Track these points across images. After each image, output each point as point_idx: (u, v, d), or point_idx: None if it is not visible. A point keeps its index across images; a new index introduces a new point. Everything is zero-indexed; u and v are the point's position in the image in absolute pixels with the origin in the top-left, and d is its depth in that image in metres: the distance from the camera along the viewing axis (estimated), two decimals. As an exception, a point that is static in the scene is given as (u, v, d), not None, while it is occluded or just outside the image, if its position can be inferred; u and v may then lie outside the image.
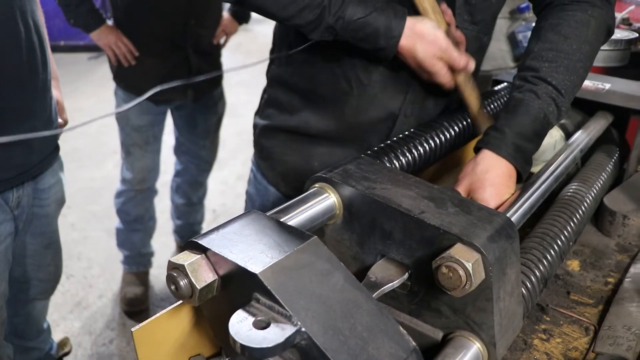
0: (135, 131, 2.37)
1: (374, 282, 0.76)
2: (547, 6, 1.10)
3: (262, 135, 1.31)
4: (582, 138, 1.14)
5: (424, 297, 0.77)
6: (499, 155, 0.93)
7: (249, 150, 1.40)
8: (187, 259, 0.61)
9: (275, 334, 0.54)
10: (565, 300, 0.98)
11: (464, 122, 1.14)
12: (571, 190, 1.10)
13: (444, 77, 1.06)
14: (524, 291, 0.82)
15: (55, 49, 6.53)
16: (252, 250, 0.61)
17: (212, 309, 0.67)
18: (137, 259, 2.61)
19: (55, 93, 1.45)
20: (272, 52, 1.30)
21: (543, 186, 0.94)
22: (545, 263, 0.89)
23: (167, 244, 2.95)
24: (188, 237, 2.86)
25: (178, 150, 2.69)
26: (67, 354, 2.02)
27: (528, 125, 0.95)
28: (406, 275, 0.77)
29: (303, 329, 0.55)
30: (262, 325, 0.55)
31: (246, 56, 6.07)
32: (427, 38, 1.01)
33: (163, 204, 2.93)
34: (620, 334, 0.89)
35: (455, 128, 1.11)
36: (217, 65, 2.50)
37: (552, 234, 0.95)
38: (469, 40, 1.11)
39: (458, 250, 0.68)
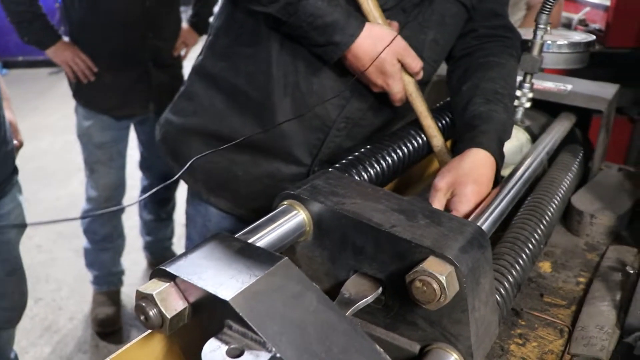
0: (98, 148, 2.32)
1: (348, 298, 0.75)
2: (464, 56, 1.19)
3: (177, 137, 1.24)
4: (548, 140, 1.16)
5: (399, 310, 0.76)
6: (487, 152, 0.95)
7: None
8: (156, 287, 0.59)
9: (250, 363, 0.52)
10: (539, 303, 0.98)
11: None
12: (540, 192, 1.11)
13: (398, 82, 1.06)
14: (498, 298, 0.82)
15: (14, 64, 6.41)
16: (222, 275, 0.59)
17: (184, 337, 0.65)
18: (107, 278, 2.55)
19: (7, 114, 1.40)
20: (210, 44, 1.23)
21: (512, 191, 0.94)
22: (518, 268, 0.90)
23: (138, 260, 2.90)
24: (159, 253, 2.82)
25: (143, 165, 2.64)
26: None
27: (502, 132, 1.01)
28: (380, 290, 0.76)
29: (278, 355, 0.53)
30: (235, 354, 0.54)
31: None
32: (387, 38, 1.02)
33: (132, 221, 2.87)
34: (594, 334, 0.90)
35: (419, 139, 1.11)
36: (178, 78, 2.46)
37: (523, 238, 0.96)
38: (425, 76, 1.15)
39: (431, 264, 0.67)
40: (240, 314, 0.55)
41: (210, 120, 1.19)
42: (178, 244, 2.95)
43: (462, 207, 0.90)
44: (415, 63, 1.06)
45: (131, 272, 2.72)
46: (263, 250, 0.65)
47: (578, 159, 1.31)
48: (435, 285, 0.66)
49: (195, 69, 1.25)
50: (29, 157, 4.14)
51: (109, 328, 2.46)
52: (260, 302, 0.57)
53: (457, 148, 1.00)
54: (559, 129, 1.23)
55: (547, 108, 1.36)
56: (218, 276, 0.59)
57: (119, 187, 2.46)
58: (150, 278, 0.63)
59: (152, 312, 0.59)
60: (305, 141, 1.15)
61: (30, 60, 6.36)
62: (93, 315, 2.51)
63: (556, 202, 1.10)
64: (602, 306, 0.96)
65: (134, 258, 2.87)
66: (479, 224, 0.83)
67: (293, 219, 0.78)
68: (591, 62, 1.56)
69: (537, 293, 1.01)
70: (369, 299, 0.75)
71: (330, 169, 0.91)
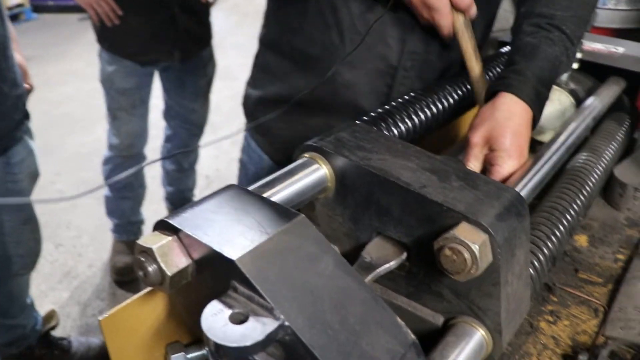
0: (121, 94, 2.27)
1: (368, 262, 0.69)
2: None
3: (257, 108, 1.22)
4: (594, 105, 1.06)
5: (424, 279, 0.70)
6: (520, 99, 0.84)
7: (243, 114, 1.31)
8: (156, 241, 0.54)
9: (255, 330, 0.47)
10: (573, 279, 0.91)
11: (467, 87, 1.06)
12: (580, 160, 1.02)
13: (445, 16, 0.96)
14: (532, 272, 0.75)
15: (44, 9, 6.38)
16: (230, 231, 0.54)
17: (187, 296, 0.60)
18: (127, 228, 2.55)
19: (16, 56, 1.35)
20: (266, 12, 1.20)
21: (554, 157, 0.86)
22: (554, 240, 0.82)
23: (159, 211, 2.88)
24: (180, 204, 2.80)
25: (167, 114, 2.59)
26: (53, 327, 1.96)
27: (547, 71, 0.88)
28: (404, 255, 0.70)
29: (286, 323, 0.48)
30: (239, 319, 0.48)
31: (242, 18, 5.89)
32: None
33: (154, 170, 2.84)
34: (632, 316, 0.83)
35: (459, 92, 1.03)
36: (206, 25, 2.38)
37: (561, 208, 0.88)
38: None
39: (463, 230, 0.60)
40: (247, 276, 0.49)
41: (282, 87, 1.15)
42: (200, 195, 2.92)
43: (505, 163, 0.81)
44: None
45: (151, 223, 2.68)
46: (278, 205, 0.59)
47: (624, 128, 1.21)
48: (467, 255, 0.59)
49: (261, 40, 1.21)
50: (56, 102, 4.14)
51: (127, 277, 2.47)
52: (270, 263, 0.51)
53: (489, 86, 0.90)
54: (607, 93, 1.13)
55: (594, 71, 1.26)
56: (225, 232, 0.54)
57: (141, 136, 2.42)
58: (153, 230, 0.57)
59: (151, 268, 0.54)
60: (373, 89, 1.07)
61: (60, 5, 6.32)
62: (112, 263, 2.51)
63: (598, 172, 1.02)
64: (643, 287, 0.88)
65: (155, 208, 2.86)
66: (517, 189, 0.75)
67: (314, 173, 0.71)
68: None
69: (572, 268, 0.94)
70: (392, 264, 0.69)
71: (357, 122, 0.84)
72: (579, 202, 0.92)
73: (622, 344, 0.77)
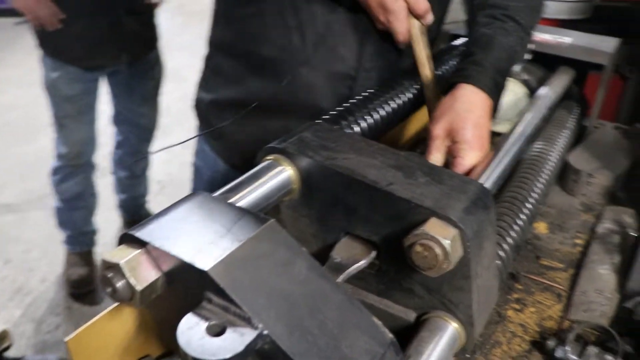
0: (67, 101, 2.19)
1: (338, 263, 0.69)
2: None
3: (210, 112, 1.19)
4: (548, 95, 1.09)
5: (395, 276, 0.70)
6: (480, 90, 0.85)
7: (194, 116, 1.28)
8: (124, 255, 0.52)
9: (234, 341, 0.45)
10: (536, 266, 0.94)
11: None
12: (536, 149, 1.05)
13: (401, 21, 0.95)
14: (498, 262, 0.77)
15: (-24, 14, 6.07)
16: (200, 241, 0.52)
17: (158, 309, 0.58)
18: (79, 239, 2.47)
19: None
20: (215, 12, 1.17)
21: (515, 148, 0.88)
22: (518, 229, 0.84)
23: (112, 219, 2.80)
24: (134, 211, 2.73)
25: (116, 119, 2.52)
26: (7, 348, 1.87)
27: (503, 61, 0.89)
28: (373, 254, 0.70)
29: (265, 332, 0.47)
30: (216, 331, 0.47)
31: (188, 18, 5.80)
32: None
33: (105, 178, 2.76)
34: (593, 299, 0.86)
35: (416, 86, 1.03)
36: (152, 27, 2.33)
37: (521, 198, 0.90)
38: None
39: (433, 226, 0.61)
40: (221, 286, 0.48)
41: (237, 90, 1.12)
42: (153, 201, 2.86)
43: (467, 155, 0.81)
44: (421, 3, 0.95)
45: (105, 232, 2.63)
46: (246, 211, 0.58)
47: (574, 116, 1.25)
48: (438, 250, 0.59)
49: (212, 42, 1.18)
50: (-5, 112, 3.97)
51: (83, 289, 2.39)
52: (243, 271, 0.50)
53: (448, 78, 0.91)
54: (559, 83, 1.17)
55: (544, 62, 1.29)
56: (195, 242, 0.52)
57: (90, 143, 2.35)
58: (118, 244, 0.55)
59: (119, 284, 0.51)
60: (333, 91, 1.05)
61: (-5, 9, 6.05)
62: (66, 276, 2.43)
63: (554, 160, 1.05)
64: (601, 270, 0.91)
65: (107, 217, 2.78)
66: (481, 182, 0.76)
67: (278, 175, 0.70)
68: (594, 16, 1.48)
69: (533, 255, 0.96)
70: (362, 263, 0.68)
71: (318, 121, 0.83)
72: (538, 190, 0.94)
73: (586, 327, 0.80)
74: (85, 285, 2.40)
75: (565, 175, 1.16)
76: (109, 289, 0.52)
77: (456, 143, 0.82)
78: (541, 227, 1.04)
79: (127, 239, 0.54)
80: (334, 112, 0.90)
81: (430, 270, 0.61)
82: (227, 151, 1.20)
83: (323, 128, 0.77)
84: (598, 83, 1.28)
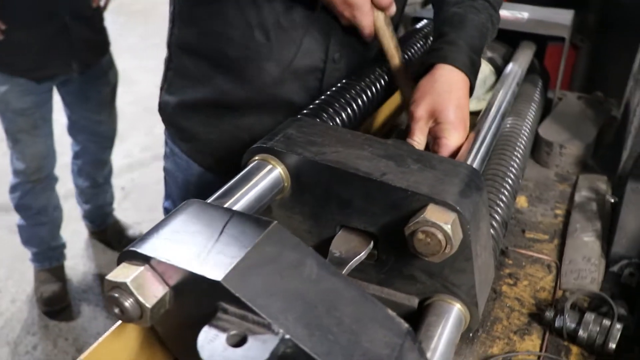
0: (19, 116, 2.11)
1: (339, 257, 0.68)
2: None
3: (178, 114, 1.15)
4: (515, 70, 1.10)
5: (395, 264, 0.70)
6: (457, 69, 0.86)
7: (150, 118, 1.24)
8: (128, 273, 0.50)
9: (257, 349, 0.45)
10: (522, 240, 0.96)
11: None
12: (508, 125, 1.06)
13: (366, 14, 0.95)
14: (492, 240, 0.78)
15: None
16: (205, 251, 0.51)
17: (164, 324, 0.56)
18: (48, 254, 2.39)
19: None
20: (172, 12, 1.14)
21: (494, 126, 0.89)
22: (503, 206, 0.85)
23: (78, 231, 2.73)
24: (100, 220, 2.66)
25: (72, 129, 2.43)
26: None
27: (477, 39, 0.90)
28: (371, 244, 0.70)
29: (287, 336, 0.46)
30: (237, 341, 0.46)
31: (130, 18, 5.65)
32: None
33: (66, 189, 2.67)
34: (582, 266, 0.88)
35: (387, 75, 1.03)
36: (101, 31, 2.26)
37: (502, 174, 0.92)
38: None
39: (432, 212, 0.61)
40: (237, 295, 0.47)
41: (204, 90, 1.09)
42: (119, 208, 2.80)
43: (451, 135, 0.82)
44: None
45: (73, 244, 2.56)
46: (248, 215, 0.57)
47: (539, 89, 1.28)
48: (440, 236, 0.60)
49: (173, 43, 1.13)
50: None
51: (57, 306, 2.32)
52: (256, 277, 0.49)
53: (423, 58, 0.91)
54: (524, 58, 1.19)
55: (503, 38, 1.31)
56: (200, 252, 0.51)
57: (48, 156, 2.27)
58: (118, 262, 0.53)
59: (128, 303, 0.50)
60: (303, 85, 1.04)
61: None
62: (38, 294, 2.35)
63: (527, 134, 1.07)
64: (585, 237, 0.94)
65: (74, 229, 2.70)
66: (468, 162, 0.77)
67: (268, 175, 0.69)
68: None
69: (519, 229, 0.98)
70: (362, 255, 0.68)
71: (299, 116, 0.83)
72: (516, 165, 0.96)
73: (580, 295, 0.82)
74: (59, 302, 2.33)
75: (537, 148, 1.18)
76: (116, 310, 0.51)
77: (439, 124, 0.82)
78: (522, 201, 1.06)
79: (127, 256, 0.53)
80: (312, 106, 0.90)
81: (433, 256, 0.61)
82: (200, 153, 1.18)
83: (306, 123, 0.76)
84: (555, 55, 1.31)
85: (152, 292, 0.51)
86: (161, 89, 1.20)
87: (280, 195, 0.72)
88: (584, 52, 2.35)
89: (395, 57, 0.99)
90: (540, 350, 0.75)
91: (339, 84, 0.98)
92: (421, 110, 0.83)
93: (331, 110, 0.89)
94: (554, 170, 1.17)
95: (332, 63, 1.04)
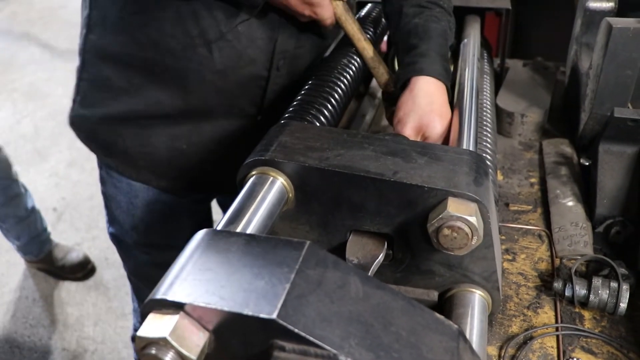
0: None
1: (357, 264, 0.66)
2: None
3: (102, 129, 1.06)
4: (472, 45, 1.11)
5: (412, 262, 0.69)
6: (435, 79, 0.87)
7: (71, 132, 1.11)
8: (164, 326, 0.45)
9: (331, 386, 0.42)
10: (508, 213, 0.97)
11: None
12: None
13: (326, 8, 0.94)
14: (494, 221, 0.78)
15: None
16: (247, 287, 0.47)
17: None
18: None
19: None
20: (89, 17, 1.02)
21: (473, 106, 0.89)
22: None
23: (12, 262, 2.53)
24: (37, 250, 2.46)
25: None
26: None
27: (444, 46, 0.93)
28: (386, 245, 0.68)
29: (355, 365, 0.43)
30: (305, 380, 0.42)
31: (28, 28, 5.28)
32: None
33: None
34: (572, 232, 0.90)
35: (356, 62, 1.01)
36: None
37: (482, 152, 0.92)
38: None
39: (454, 206, 0.60)
40: (296, 331, 0.43)
41: (132, 102, 1.00)
42: (54, 230, 2.61)
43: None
44: None
45: (9, 276, 2.38)
46: (275, 239, 0.53)
47: (486, 61, 1.29)
48: (467, 229, 0.59)
49: (89, 50, 1.02)
50: None
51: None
52: (308, 306, 0.46)
53: (399, 73, 0.92)
54: (475, 32, 1.19)
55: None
56: (242, 290, 0.47)
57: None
58: (143, 315, 0.48)
59: (168, 358, 0.45)
60: (246, 92, 1.01)
61: None
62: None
63: (491, 108, 1.08)
64: (567, 203, 0.96)
65: (7, 259, 2.51)
66: (465, 147, 0.77)
67: (272, 188, 0.66)
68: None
69: (502, 203, 0.99)
70: (380, 258, 0.66)
71: (284, 120, 0.79)
72: (491, 141, 0.96)
73: (584, 261, 0.84)
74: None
75: (499, 119, 1.20)
76: (157, 367, 0.46)
77: (427, 138, 0.84)
78: (497, 175, 1.07)
79: (154, 306, 0.48)
80: (293, 108, 0.86)
81: (460, 249, 0.60)
82: (134, 168, 1.09)
83: (297, 128, 0.73)
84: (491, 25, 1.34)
85: (194, 342, 0.46)
86: (73, 101, 1.09)
87: (285, 207, 0.68)
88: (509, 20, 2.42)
89: (361, 39, 1.00)
90: (556, 321, 0.76)
91: (310, 81, 0.95)
92: (408, 130, 0.84)
93: (314, 109, 0.86)
94: (517, 139, 1.19)
95: (275, 70, 1.02)
